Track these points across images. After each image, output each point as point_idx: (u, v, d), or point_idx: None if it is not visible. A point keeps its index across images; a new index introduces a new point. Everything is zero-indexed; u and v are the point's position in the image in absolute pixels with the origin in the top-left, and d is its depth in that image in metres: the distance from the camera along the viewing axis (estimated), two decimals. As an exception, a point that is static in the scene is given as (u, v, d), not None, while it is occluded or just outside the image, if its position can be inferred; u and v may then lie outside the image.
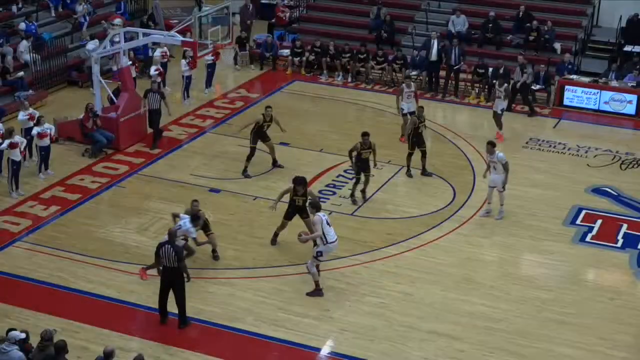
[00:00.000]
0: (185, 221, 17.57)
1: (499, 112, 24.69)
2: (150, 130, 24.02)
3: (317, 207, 17.10)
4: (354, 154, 20.52)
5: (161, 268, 15.89)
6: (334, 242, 16.85)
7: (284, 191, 18.73)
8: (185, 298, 15.94)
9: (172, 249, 15.58)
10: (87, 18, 30.66)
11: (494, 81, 25.96)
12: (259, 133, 22.03)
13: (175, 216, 18.02)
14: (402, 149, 22.85)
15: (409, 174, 22.29)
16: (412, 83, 24.63)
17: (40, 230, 19.53)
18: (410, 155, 22.19)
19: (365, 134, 20.53)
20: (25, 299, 16.84)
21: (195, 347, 15.55)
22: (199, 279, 17.23)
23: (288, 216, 18.73)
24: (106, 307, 16.71)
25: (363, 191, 21.07)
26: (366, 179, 20.88)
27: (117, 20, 29.79)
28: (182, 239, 17.27)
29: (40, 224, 19.82)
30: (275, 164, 22.54)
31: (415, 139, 21.95)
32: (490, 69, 27.85)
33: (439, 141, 24.83)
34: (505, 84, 25.10)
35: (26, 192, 21.10)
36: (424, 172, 22.31)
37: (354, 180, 21.00)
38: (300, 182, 18.49)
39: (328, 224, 16.83)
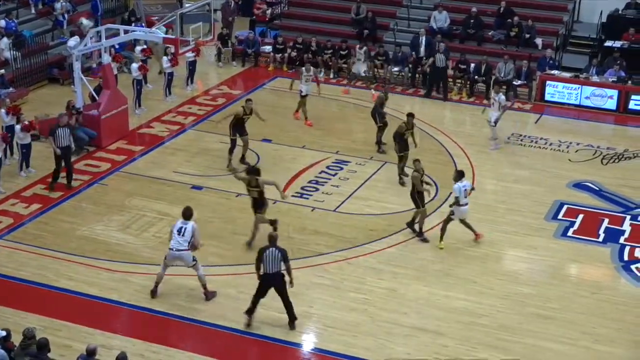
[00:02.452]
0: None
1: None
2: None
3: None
4: (399, 135, 21.52)
5: (261, 274, 15.72)
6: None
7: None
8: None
9: (277, 251, 15.51)
10: (66, 16, 30.47)
11: (476, 77, 26.13)
12: (238, 126, 22.03)
13: None
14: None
15: (381, 150, 23.35)
16: (311, 68, 25.71)
17: (21, 229, 19.42)
18: (381, 128, 23.05)
19: (410, 115, 21.75)
20: (7, 297, 16.73)
21: (178, 344, 15.52)
22: (180, 276, 17.18)
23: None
24: (88, 305, 16.64)
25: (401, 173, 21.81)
26: (404, 158, 21.66)
27: (84, 20, 29.60)
28: None
29: (22, 222, 19.71)
30: (243, 160, 22.44)
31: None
32: (472, 65, 27.95)
33: (422, 137, 24.77)
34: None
35: (7, 190, 20.98)
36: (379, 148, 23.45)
37: (398, 160, 21.75)
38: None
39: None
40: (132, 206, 20.45)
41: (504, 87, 26.28)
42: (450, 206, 18.88)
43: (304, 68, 25.77)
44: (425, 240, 19.02)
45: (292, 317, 15.90)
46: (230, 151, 22.13)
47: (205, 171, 22.23)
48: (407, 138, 21.66)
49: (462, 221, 18.85)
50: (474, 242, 18.95)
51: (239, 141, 22.20)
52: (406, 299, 17.02)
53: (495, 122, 23.62)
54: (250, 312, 15.91)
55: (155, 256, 18.26)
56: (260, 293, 15.79)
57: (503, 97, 23.91)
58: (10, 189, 21.05)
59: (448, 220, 18.80)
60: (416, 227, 19.24)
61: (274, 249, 15.53)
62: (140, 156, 23.21)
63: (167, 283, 17.19)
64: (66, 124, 21.38)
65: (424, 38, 28.71)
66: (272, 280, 15.61)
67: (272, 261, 15.46)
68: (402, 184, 21.45)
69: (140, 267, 17.91)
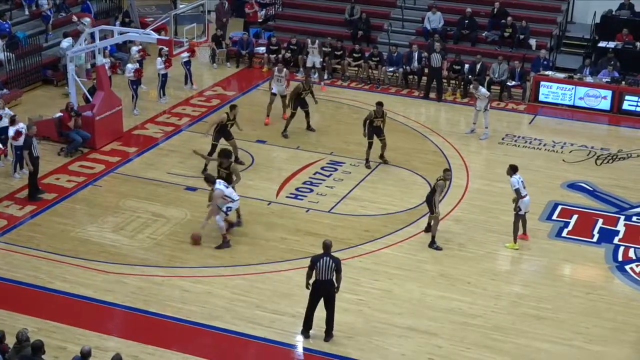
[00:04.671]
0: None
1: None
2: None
3: (211, 181, 18.57)
4: (367, 122, 22.29)
5: (312, 281, 15.49)
6: (237, 199, 18.63)
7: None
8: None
9: (331, 260, 15.34)
10: (52, 11, 30.33)
11: (470, 77, 26.18)
12: (222, 131, 22.10)
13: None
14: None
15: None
16: (283, 69, 25.86)
17: (15, 230, 19.39)
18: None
19: (379, 103, 22.39)
20: (1, 299, 16.71)
21: (173, 345, 15.50)
22: (175, 277, 17.20)
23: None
24: (83, 307, 16.62)
25: (382, 156, 22.80)
26: (382, 142, 22.56)
27: (87, 20, 29.60)
28: None
29: (16, 223, 19.67)
30: (236, 160, 22.48)
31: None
32: (467, 66, 27.96)
33: (416, 138, 24.89)
34: None
35: (1, 191, 20.96)
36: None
37: (367, 146, 22.54)
38: None
39: (226, 187, 18.46)
40: (126, 207, 20.44)
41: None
42: (513, 201, 18.88)
43: (276, 68, 26.04)
44: (438, 249, 18.84)
45: (331, 329, 15.72)
46: (209, 154, 21.96)
47: (199, 172, 22.17)
48: (378, 125, 22.30)
49: (522, 217, 18.94)
50: (521, 240, 19.11)
51: (226, 145, 22.14)
52: (400, 299, 17.03)
53: (485, 108, 24.43)
54: (307, 329, 15.72)
55: (149, 257, 18.28)
56: (312, 303, 15.57)
57: (483, 89, 24.83)
58: (5, 191, 21.02)
59: (517, 217, 18.84)
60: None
61: (328, 257, 15.36)
62: (135, 157, 23.20)
63: (163, 285, 17.23)
64: (35, 134, 21.21)
65: (416, 53, 28.66)
66: (324, 288, 15.41)
67: (325, 270, 15.29)
68: (368, 167, 22.60)
69: (134, 268, 17.90)
